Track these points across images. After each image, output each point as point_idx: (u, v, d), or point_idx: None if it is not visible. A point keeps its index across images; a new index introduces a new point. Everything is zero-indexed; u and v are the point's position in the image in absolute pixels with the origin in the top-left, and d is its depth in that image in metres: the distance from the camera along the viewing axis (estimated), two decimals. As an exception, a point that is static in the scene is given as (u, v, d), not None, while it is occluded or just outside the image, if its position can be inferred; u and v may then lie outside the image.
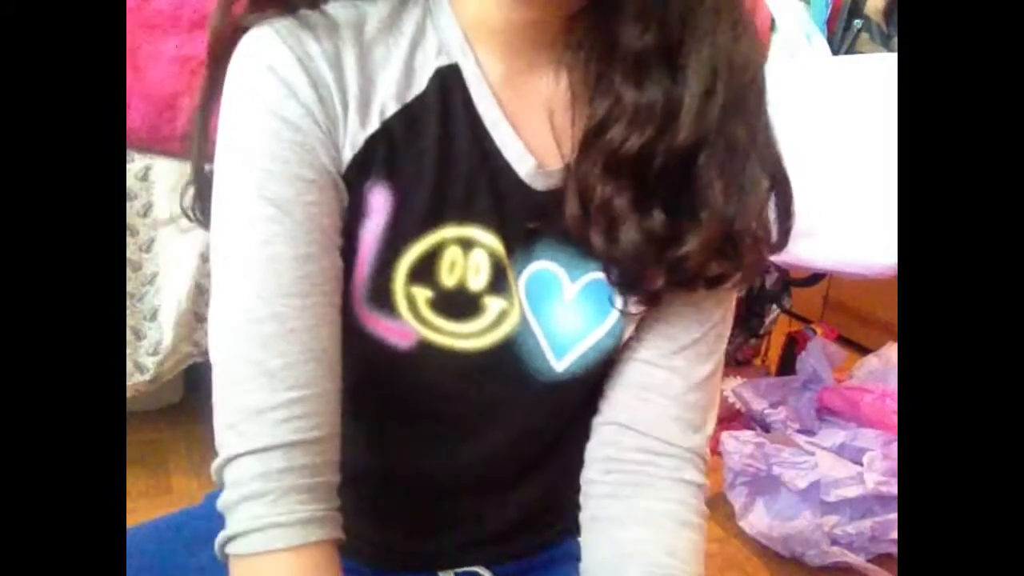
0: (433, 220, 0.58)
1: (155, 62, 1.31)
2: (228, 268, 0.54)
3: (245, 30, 0.56)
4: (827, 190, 1.31)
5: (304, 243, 0.53)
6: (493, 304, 0.60)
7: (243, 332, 0.53)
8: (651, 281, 0.59)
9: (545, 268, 0.61)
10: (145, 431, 1.64)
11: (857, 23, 1.51)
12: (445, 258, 0.59)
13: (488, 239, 0.59)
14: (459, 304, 0.59)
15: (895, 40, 1.51)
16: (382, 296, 0.58)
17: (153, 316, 1.39)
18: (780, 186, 0.60)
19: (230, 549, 0.52)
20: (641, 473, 0.64)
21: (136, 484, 1.49)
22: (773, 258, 1.39)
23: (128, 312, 1.37)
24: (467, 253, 0.59)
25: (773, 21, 1.47)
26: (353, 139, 0.56)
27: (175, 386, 1.70)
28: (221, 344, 0.54)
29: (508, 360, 0.61)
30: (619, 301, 0.61)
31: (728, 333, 0.68)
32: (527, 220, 0.60)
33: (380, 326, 0.58)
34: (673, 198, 0.58)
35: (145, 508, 1.31)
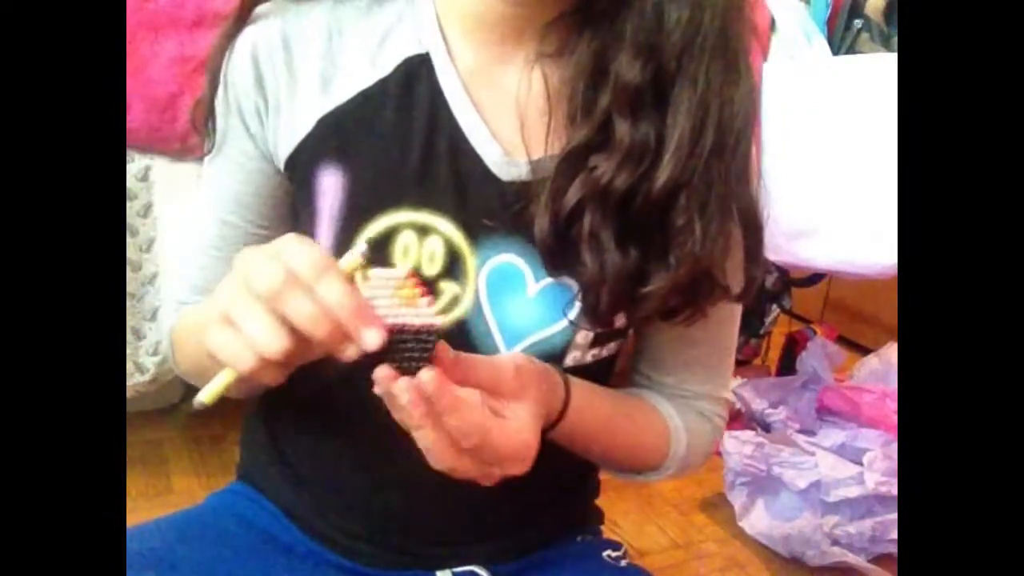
0: (386, 204, 0.59)
1: (155, 62, 1.31)
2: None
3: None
4: (827, 190, 1.30)
5: None
6: (448, 289, 0.61)
7: None
8: (613, 318, 0.61)
9: (511, 263, 0.62)
10: (145, 431, 1.64)
11: (857, 23, 1.51)
12: (398, 243, 0.60)
13: (445, 227, 0.60)
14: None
15: (895, 40, 1.51)
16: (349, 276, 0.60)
17: (153, 316, 1.39)
18: (752, 232, 0.61)
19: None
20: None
21: (136, 484, 1.49)
22: (773, 258, 1.40)
23: (128, 312, 1.37)
24: (422, 239, 0.60)
25: (773, 21, 1.47)
26: (304, 120, 0.61)
27: (175, 386, 1.69)
28: None
29: (459, 343, 0.62)
30: (572, 313, 0.62)
31: (733, 345, 0.69)
32: (491, 209, 0.61)
33: None
34: (646, 235, 0.59)
35: (145, 508, 1.31)
